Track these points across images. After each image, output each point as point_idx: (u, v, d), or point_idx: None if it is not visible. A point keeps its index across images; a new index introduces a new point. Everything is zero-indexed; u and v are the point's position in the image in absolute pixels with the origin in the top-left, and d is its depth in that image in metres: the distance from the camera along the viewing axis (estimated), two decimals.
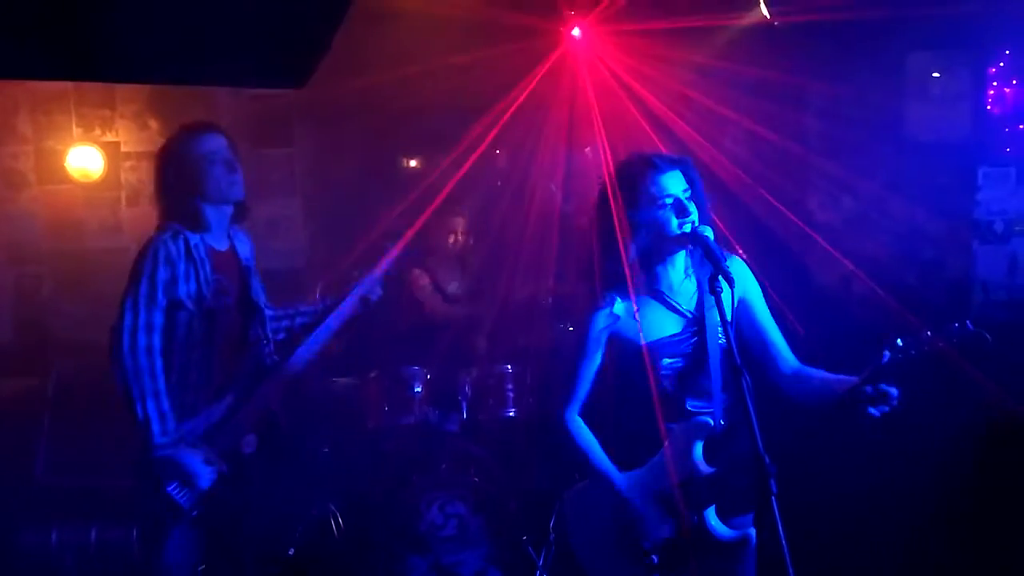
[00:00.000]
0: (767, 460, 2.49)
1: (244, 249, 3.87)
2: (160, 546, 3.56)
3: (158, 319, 3.47)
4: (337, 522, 5.17)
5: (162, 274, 3.50)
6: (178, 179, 3.67)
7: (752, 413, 2.56)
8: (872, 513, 4.75)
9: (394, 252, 3.97)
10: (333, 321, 3.87)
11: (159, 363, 3.44)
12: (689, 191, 3.06)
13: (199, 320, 3.59)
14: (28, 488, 5.49)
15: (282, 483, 4.10)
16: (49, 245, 6.48)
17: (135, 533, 5.05)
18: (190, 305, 3.55)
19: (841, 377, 2.97)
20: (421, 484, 5.04)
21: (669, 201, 3.03)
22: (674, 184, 3.05)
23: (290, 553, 5.05)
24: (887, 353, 2.75)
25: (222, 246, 3.75)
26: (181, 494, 3.47)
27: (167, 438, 3.40)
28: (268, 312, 3.91)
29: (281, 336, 4.02)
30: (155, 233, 3.63)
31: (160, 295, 3.49)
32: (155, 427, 3.38)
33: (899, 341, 2.76)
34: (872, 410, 2.80)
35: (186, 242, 3.58)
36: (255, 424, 3.72)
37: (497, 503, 5.00)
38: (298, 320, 4.09)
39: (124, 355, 3.41)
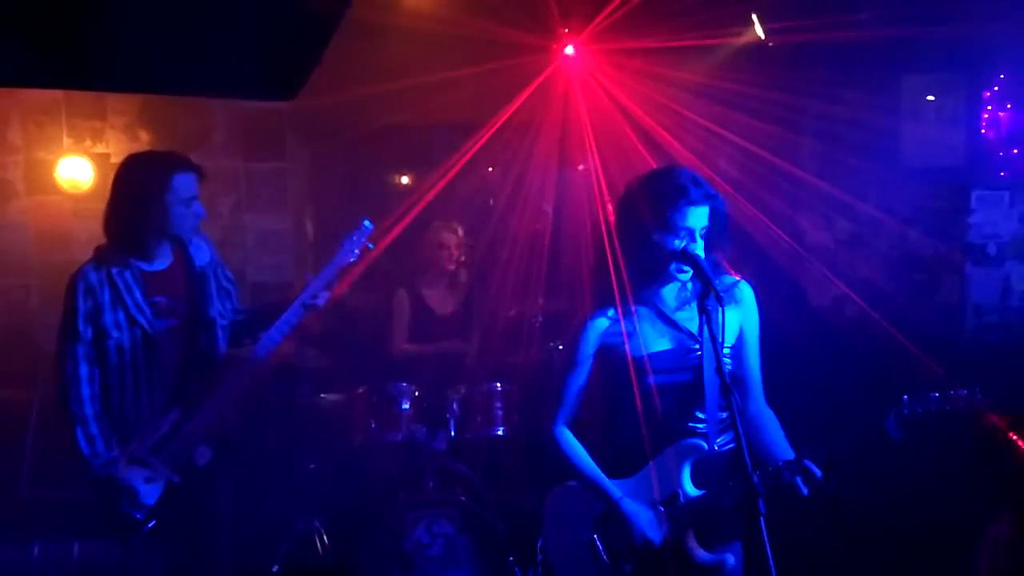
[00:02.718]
0: (756, 481, 2.46)
1: (201, 256, 3.84)
2: (130, 560, 3.63)
3: (81, 350, 3.58)
4: (322, 539, 5.14)
5: (82, 306, 3.58)
6: (142, 218, 3.64)
7: (741, 433, 2.53)
8: (862, 534, 4.73)
9: (334, 262, 3.90)
10: (277, 330, 3.81)
11: (86, 391, 3.57)
12: (706, 229, 3.02)
13: (136, 345, 3.63)
14: (11, 501, 5.44)
15: (248, 494, 4.09)
16: (37, 256, 6.46)
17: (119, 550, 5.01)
18: (115, 333, 3.61)
19: (782, 446, 3.05)
20: (407, 502, 4.99)
21: (684, 233, 2.99)
22: (697, 219, 2.99)
23: (274, 570, 5.01)
24: (892, 412, 2.82)
25: (160, 265, 3.74)
26: (132, 509, 3.55)
27: (99, 460, 3.53)
28: (221, 321, 3.87)
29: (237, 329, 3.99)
30: (82, 264, 3.67)
31: (81, 327, 3.58)
32: (85, 450, 3.54)
33: (905, 398, 2.81)
34: (802, 486, 2.86)
35: (108, 271, 3.61)
36: (207, 435, 3.71)
37: (484, 523, 4.95)
38: (241, 318, 4.02)
39: (57, 384, 3.60)
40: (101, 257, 3.65)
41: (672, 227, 2.96)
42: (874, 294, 5.58)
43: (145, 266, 3.68)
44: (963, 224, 5.79)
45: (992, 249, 5.75)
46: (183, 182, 3.66)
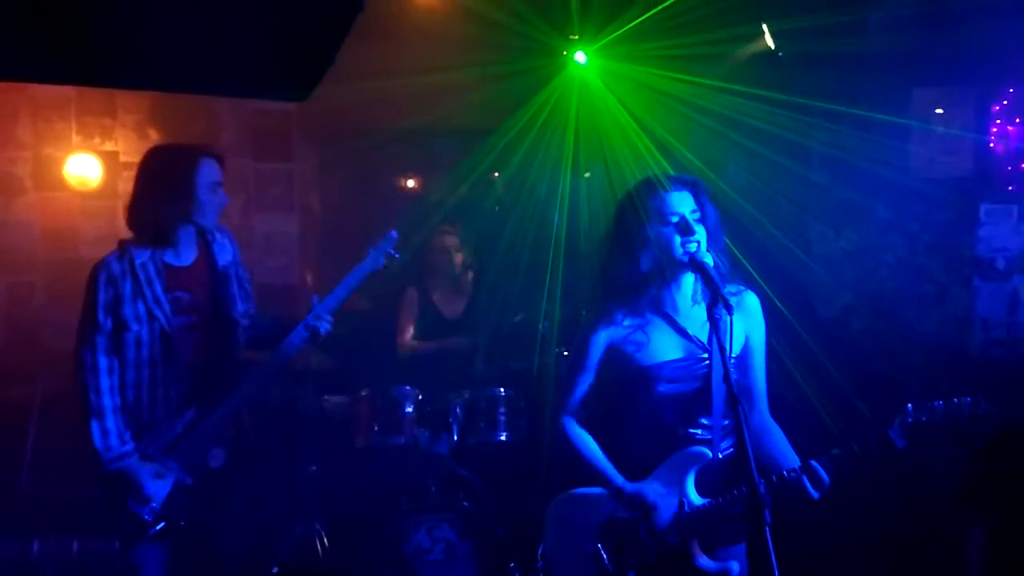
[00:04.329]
0: (762, 490, 2.46)
1: (224, 255, 3.84)
2: (133, 560, 3.61)
3: (100, 341, 3.56)
4: (322, 541, 5.12)
5: (103, 297, 3.57)
6: (170, 203, 3.65)
7: (748, 444, 2.53)
8: (867, 541, 4.71)
9: (359, 269, 3.94)
10: (297, 335, 3.81)
11: (104, 382, 3.55)
12: (698, 213, 3.06)
13: (153, 340, 3.61)
14: (12, 498, 5.43)
15: (257, 499, 4.07)
16: (43, 253, 6.44)
17: (117, 546, 5.01)
18: (135, 325, 3.59)
19: (788, 454, 3.05)
20: (409, 506, 4.98)
21: (675, 220, 3.04)
22: (682, 204, 3.06)
23: (274, 571, 4.99)
24: (897, 420, 2.82)
25: (186, 260, 3.74)
26: (140, 508, 3.52)
27: (111, 454, 3.50)
28: (244, 321, 3.87)
29: (249, 335, 3.98)
30: (105, 255, 3.67)
31: (101, 317, 3.57)
32: (98, 444, 3.51)
33: (909, 407, 2.82)
34: (811, 489, 2.87)
35: (131, 262, 3.59)
36: (222, 437, 3.69)
37: (485, 528, 4.94)
38: (258, 328, 4.02)
39: (75, 375, 3.57)
40: (125, 248, 3.65)
41: (661, 214, 3.05)
42: (881, 306, 5.57)
43: (170, 260, 3.68)
44: (971, 237, 5.78)
45: (1000, 263, 5.74)
46: (210, 167, 3.70)
